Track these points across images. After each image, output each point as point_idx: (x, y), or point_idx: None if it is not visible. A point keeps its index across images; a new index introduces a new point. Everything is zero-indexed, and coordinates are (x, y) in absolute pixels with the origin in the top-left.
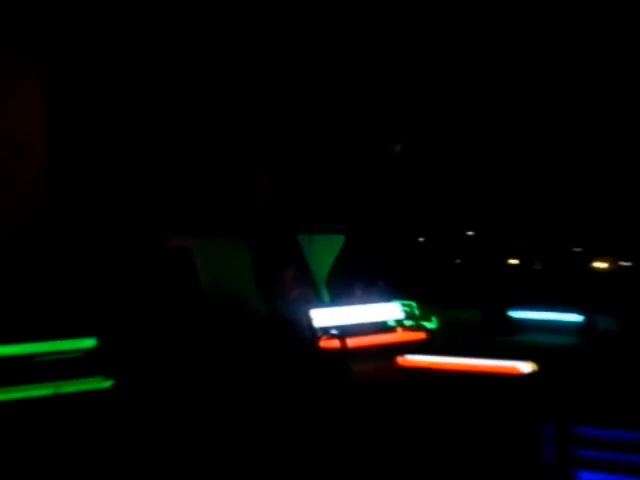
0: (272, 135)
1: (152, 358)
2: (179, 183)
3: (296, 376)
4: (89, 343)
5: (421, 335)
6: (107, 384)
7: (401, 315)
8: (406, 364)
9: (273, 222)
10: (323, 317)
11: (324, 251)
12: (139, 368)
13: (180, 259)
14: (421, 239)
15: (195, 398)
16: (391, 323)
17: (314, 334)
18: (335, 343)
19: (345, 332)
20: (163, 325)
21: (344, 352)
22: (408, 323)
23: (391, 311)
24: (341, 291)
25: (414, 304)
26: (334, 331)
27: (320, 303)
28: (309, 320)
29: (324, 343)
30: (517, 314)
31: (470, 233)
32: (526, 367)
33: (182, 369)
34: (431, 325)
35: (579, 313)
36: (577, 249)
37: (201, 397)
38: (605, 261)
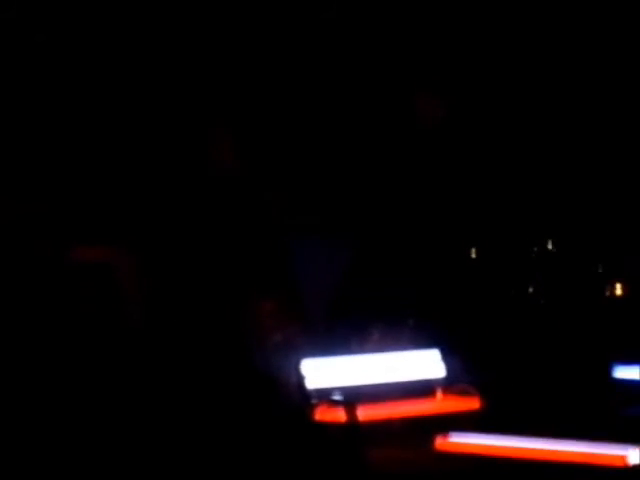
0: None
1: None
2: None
3: (277, 470)
4: None
5: (473, 403)
6: None
7: (442, 371)
8: (450, 449)
9: (241, 220)
10: (321, 374)
11: (322, 270)
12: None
13: (98, 281)
14: (473, 253)
15: None
16: (427, 384)
17: (307, 400)
18: (340, 415)
19: (355, 397)
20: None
21: (354, 429)
22: (453, 384)
23: (427, 365)
24: (349, 332)
25: (462, 354)
26: (338, 396)
27: (316, 351)
28: (299, 379)
29: (323, 415)
30: (624, 373)
31: (551, 247)
32: (635, 456)
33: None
34: (489, 388)
35: None
36: None
37: None
38: None
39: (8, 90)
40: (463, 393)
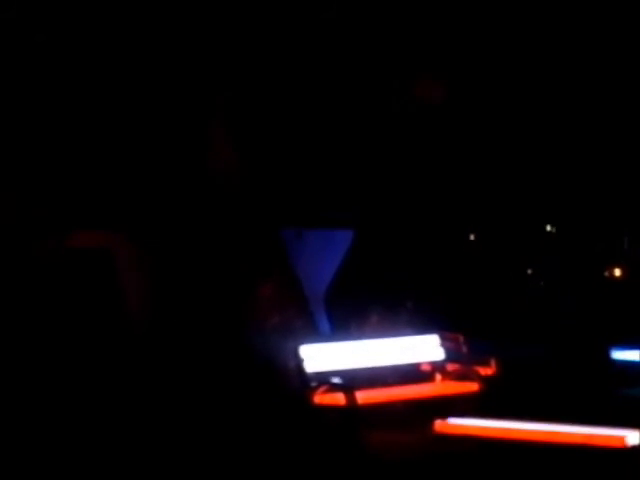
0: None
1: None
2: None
3: (276, 453)
4: None
5: (472, 386)
6: None
7: (441, 354)
8: (449, 431)
9: (240, 207)
10: (320, 358)
11: (321, 254)
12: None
13: (96, 268)
14: (472, 237)
15: None
16: (426, 367)
17: (305, 385)
18: (338, 398)
19: (354, 381)
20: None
21: (352, 413)
22: (452, 367)
23: (426, 348)
24: (348, 316)
25: (461, 337)
26: (337, 379)
27: (315, 335)
28: (297, 363)
29: (321, 398)
30: (623, 355)
31: (550, 228)
32: (634, 437)
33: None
34: (488, 370)
35: None
36: None
37: None
38: None
39: (9, 80)
40: (462, 376)
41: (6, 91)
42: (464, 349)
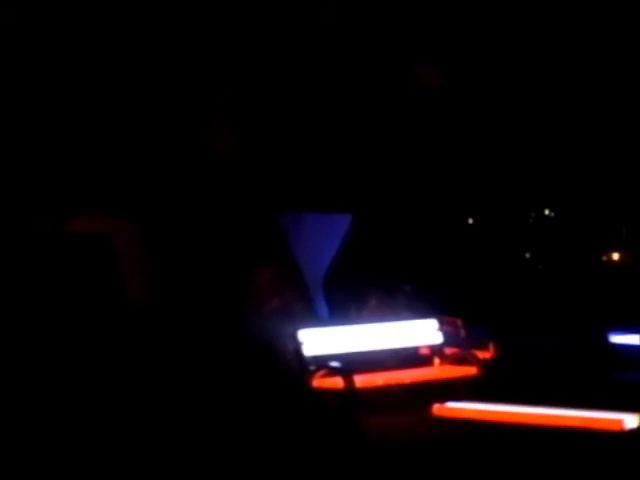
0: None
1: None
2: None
3: (274, 437)
4: None
5: (471, 370)
6: None
7: (440, 338)
8: (448, 414)
9: (239, 191)
10: (318, 341)
11: (320, 238)
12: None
13: (95, 253)
14: (471, 220)
15: None
16: (424, 351)
17: (303, 368)
18: (337, 382)
19: (352, 365)
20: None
21: (351, 396)
22: (450, 351)
23: (424, 332)
24: (346, 300)
25: (460, 321)
26: (335, 363)
27: (313, 319)
28: (296, 346)
29: (320, 382)
30: (620, 339)
31: (549, 212)
32: (632, 420)
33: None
34: (486, 354)
35: None
36: None
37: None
38: None
39: (10, 63)
40: (461, 360)
41: (7, 75)
42: (462, 333)
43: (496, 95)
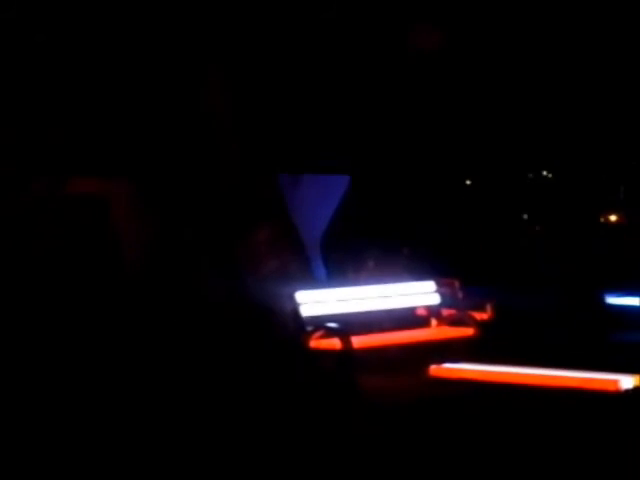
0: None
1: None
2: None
3: (272, 397)
4: None
5: (468, 331)
6: None
7: (437, 300)
8: (445, 375)
9: (236, 152)
10: (315, 303)
11: (317, 199)
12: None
13: (90, 217)
14: (468, 182)
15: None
16: (421, 312)
17: (301, 329)
18: (334, 343)
19: (350, 326)
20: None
21: (348, 357)
22: (447, 312)
23: (421, 294)
24: (344, 262)
25: (457, 283)
26: (333, 324)
27: (311, 281)
28: (293, 307)
29: (317, 343)
30: (616, 301)
31: (546, 173)
32: (628, 381)
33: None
34: (483, 316)
35: None
36: None
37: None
38: None
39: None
40: (458, 321)
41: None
42: (460, 294)
43: (495, 55)
